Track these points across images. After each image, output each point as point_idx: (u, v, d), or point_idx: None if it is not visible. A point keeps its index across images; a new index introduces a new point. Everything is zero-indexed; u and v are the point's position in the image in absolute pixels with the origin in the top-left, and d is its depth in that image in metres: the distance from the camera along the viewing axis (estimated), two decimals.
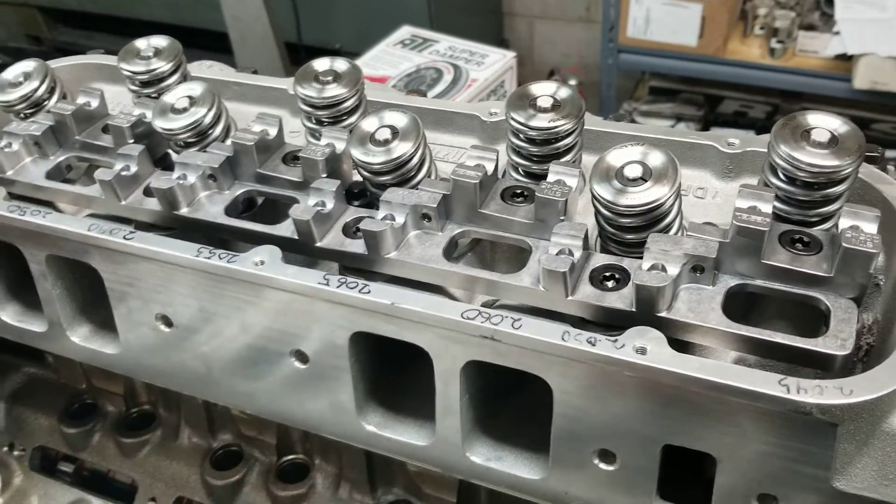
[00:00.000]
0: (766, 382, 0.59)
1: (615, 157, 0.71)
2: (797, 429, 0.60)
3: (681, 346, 0.66)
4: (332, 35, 3.33)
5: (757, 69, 3.12)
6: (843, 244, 0.63)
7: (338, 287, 0.71)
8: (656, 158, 0.71)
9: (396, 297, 0.69)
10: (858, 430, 0.59)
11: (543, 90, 0.81)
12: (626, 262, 0.69)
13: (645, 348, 0.62)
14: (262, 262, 0.73)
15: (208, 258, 0.75)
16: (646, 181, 0.70)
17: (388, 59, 2.45)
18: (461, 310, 0.67)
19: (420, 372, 0.74)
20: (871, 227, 0.65)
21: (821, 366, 0.62)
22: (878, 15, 2.90)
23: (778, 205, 0.72)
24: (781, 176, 0.71)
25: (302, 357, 0.77)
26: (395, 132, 0.78)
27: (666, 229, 0.71)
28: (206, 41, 3.37)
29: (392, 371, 0.80)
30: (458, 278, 0.73)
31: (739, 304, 0.70)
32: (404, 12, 3.03)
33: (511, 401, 0.78)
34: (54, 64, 1.04)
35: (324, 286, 0.71)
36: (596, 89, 3.50)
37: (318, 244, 0.76)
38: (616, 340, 0.63)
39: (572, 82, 3.33)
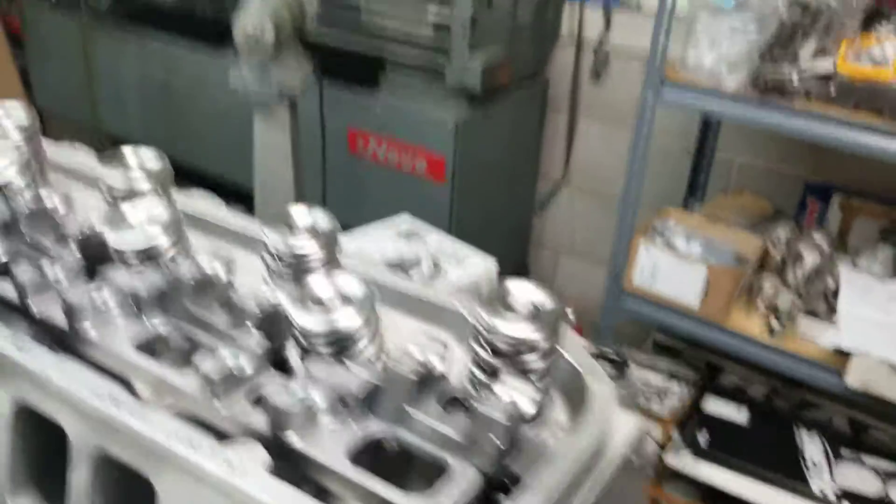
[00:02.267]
0: None
1: (314, 283, 0.70)
2: None
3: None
4: (355, 220, 3.45)
5: (754, 345, 3.06)
6: (475, 405, 0.59)
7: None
8: (353, 286, 0.69)
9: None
10: None
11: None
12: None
13: (240, 463, 0.58)
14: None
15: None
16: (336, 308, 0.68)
17: (377, 241, 2.52)
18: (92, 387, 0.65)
19: None
20: (528, 405, 0.61)
21: None
22: (880, 317, 2.85)
23: (479, 375, 0.69)
24: (476, 341, 0.68)
25: None
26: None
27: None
28: (247, 201, 3.53)
29: None
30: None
31: (398, 458, 0.65)
32: (427, 213, 3.13)
33: None
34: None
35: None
36: (598, 329, 3.48)
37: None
38: (217, 450, 0.59)
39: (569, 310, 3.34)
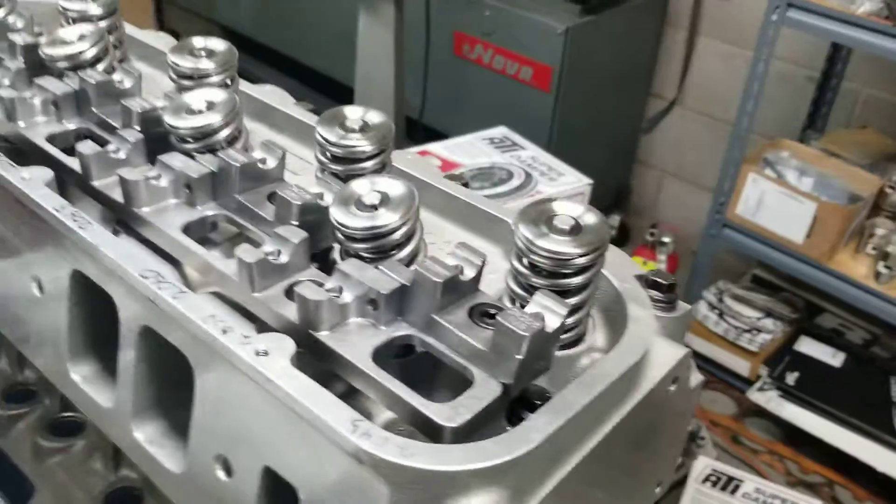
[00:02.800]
0: (339, 414, 0.54)
1: (357, 185, 0.70)
2: (356, 482, 0.54)
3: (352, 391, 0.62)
4: (453, 123, 3.43)
5: (858, 289, 2.93)
6: (498, 318, 0.58)
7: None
8: (396, 188, 0.69)
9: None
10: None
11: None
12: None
13: (267, 351, 0.59)
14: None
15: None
16: (377, 209, 0.68)
17: (470, 149, 2.49)
18: (141, 267, 0.67)
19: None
20: (554, 321, 0.60)
21: (431, 435, 0.57)
22: None
23: (517, 289, 0.68)
24: (517, 256, 0.67)
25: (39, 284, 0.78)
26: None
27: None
28: (348, 97, 3.56)
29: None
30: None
31: (426, 363, 0.65)
32: (528, 121, 3.09)
33: None
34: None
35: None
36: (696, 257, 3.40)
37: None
38: (248, 338, 0.60)
39: (666, 240, 3.25)
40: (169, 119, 0.79)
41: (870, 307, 2.93)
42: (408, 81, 3.16)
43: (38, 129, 0.85)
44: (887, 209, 3.01)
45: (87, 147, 0.76)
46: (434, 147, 2.39)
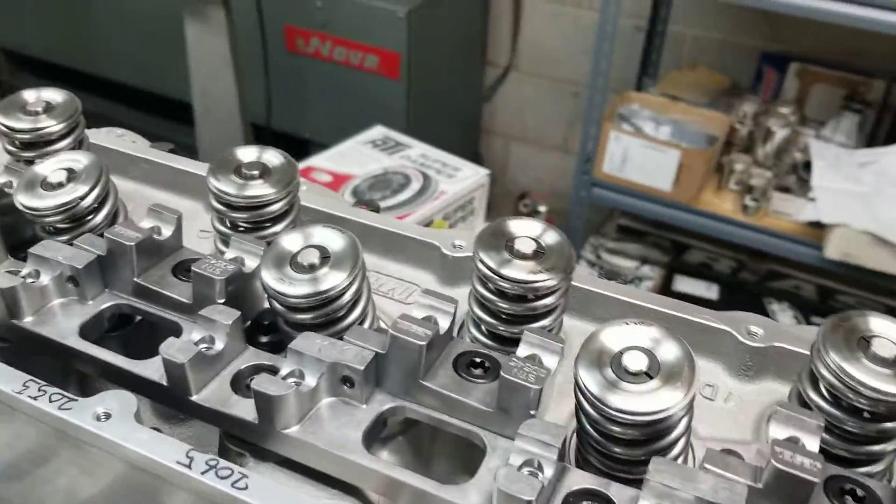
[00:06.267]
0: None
1: (612, 336, 0.52)
2: None
3: None
4: (302, 124, 3.29)
5: (728, 223, 3.03)
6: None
7: (203, 473, 0.50)
8: (669, 351, 0.51)
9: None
10: None
11: (526, 230, 0.61)
12: (615, 490, 0.50)
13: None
14: (107, 416, 0.52)
15: (34, 398, 0.54)
16: (651, 378, 0.50)
17: (356, 156, 2.37)
18: None
19: None
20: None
21: None
22: (854, 188, 2.82)
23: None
24: (825, 394, 0.54)
25: None
26: (326, 257, 0.58)
27: (668, 448, 0.52)
28: (174, 111, 3.33)
29: None
30: (379, 479, 0.51)
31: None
32: (381, 112, 3.00)
33: None
34: None
35: (183, 468, 0.50)
36: (565, 219, 3.42)
37: (193, 398, 0.55)
38: None
39: (542, 208, 3.25)
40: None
41: (741, 239, 3.04)
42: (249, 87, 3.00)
43: (58, 320, 0.63)
44: (739, 143, 3.12)
45: (181, 351, 0.55)
46: (318, 161, 2.25)
